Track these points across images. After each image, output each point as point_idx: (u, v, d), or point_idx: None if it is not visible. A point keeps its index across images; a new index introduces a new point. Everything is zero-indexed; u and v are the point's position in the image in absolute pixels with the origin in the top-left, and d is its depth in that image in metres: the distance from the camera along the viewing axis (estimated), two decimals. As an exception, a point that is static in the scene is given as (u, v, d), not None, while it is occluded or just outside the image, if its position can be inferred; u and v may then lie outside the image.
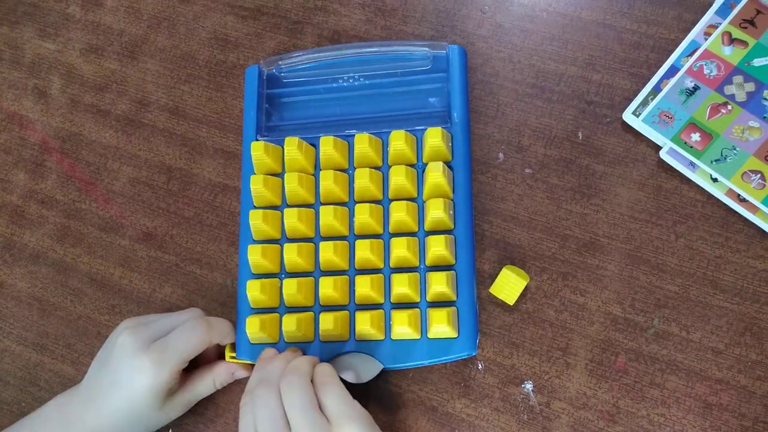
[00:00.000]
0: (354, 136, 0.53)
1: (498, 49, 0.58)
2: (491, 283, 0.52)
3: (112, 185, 0.61)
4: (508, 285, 0.52)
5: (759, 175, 0.51)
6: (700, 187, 0.53)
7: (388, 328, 0.51)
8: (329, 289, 0.50)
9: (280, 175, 0.55)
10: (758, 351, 0.49)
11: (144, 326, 0.49)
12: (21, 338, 0.59)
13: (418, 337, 0.50)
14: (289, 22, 0.63)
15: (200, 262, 0.58)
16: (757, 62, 0.53)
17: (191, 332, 0.49)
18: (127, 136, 0.62)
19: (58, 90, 0.65)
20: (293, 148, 0.53)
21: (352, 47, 0.57)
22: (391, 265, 0.52)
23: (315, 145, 0.55)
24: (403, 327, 0.49)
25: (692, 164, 0.53)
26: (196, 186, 0.60)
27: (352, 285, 0.52)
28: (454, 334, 0.50)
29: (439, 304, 0.51)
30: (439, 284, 0.49)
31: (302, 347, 0.51)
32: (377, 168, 0.54)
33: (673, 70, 0.55)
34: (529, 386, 0.51)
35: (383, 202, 0.53)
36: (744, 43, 0.54)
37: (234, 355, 0.52)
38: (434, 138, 0.51)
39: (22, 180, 0.63)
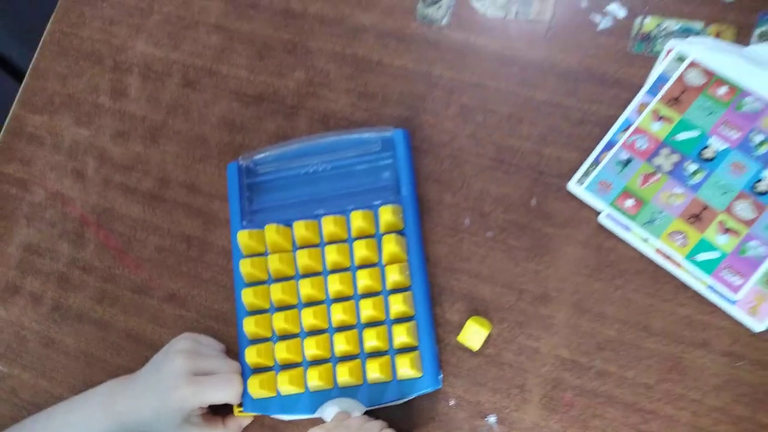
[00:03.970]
0: (322, 218, 0.64)
1: (463, 128, 0.68)
2: (459, 332, 0.62)
3: (141, 253, 0.72)
4: (474, 334, 0.61)
5: (683, 235, 0.60)
6: (634, 246, 0.62)
7: (364, 374, 0.61)
8: (313, 347, 0.61)
9: (264, 254, 0.66)
10: (682, 385, 0.59)
11: (197, 357, 0.61)
12: (72, 387, 0.70)
13: (390, 379, 0.61)
14: (286, 107, 0.73)
15: (217, 318, 0.69)
16: (680, 137, 0.63)
17: (227, 385, 0.61)
18: (152, 210, 0.73)
19: (92, 170, 0.76)
20: (272, 233, 0.65)
21: (314, 138, 0.68)
22: (362, 321, 0.63)
23: (290, 225, 0.66)
24: (375, 373, 0.59)
25: (626, 227, 0.62)
26: (212, 252, 0.71)
27: (332, 341, 0.62)
28: (419, 374, 0.60)
29: (404, 350, 0.61)
30: (401, 335, 0.60)
31: (295, 398, 0.62)
32: (343, 241, 0.65)
33: (610, 144, 0.64)
34: (492, 419, 0.61)
35: (351, 268, 0.64)
36: (670, 119, 0.63)
37: (241, 409, 0.63)
38: (387, 215, 0.63)
39: (66, 250, 0.75)
